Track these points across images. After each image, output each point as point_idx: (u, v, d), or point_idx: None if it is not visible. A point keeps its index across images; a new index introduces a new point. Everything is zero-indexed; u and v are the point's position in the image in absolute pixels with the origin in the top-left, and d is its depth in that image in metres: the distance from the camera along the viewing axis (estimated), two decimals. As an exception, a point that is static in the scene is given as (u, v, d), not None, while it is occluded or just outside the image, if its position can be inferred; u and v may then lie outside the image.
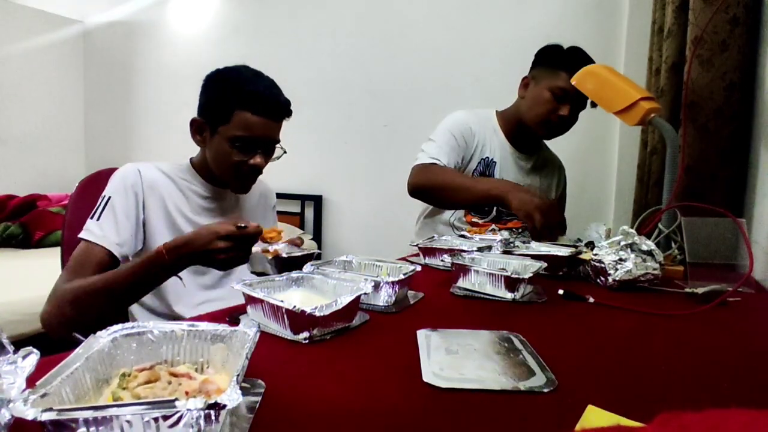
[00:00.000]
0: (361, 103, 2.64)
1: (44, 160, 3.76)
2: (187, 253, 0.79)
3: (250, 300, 0.63)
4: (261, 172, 1.04)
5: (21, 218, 2.80)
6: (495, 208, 1.43)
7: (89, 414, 0.29)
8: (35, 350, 0.34)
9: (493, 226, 1.31)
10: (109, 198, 0.95)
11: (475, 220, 1.43)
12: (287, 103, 1.01)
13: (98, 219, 0.93)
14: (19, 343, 0.33)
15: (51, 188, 3.33)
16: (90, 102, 4.02)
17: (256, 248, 0.88)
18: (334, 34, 2.72)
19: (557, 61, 1.34)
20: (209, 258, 0.79)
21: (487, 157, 1.43)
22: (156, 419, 0.29)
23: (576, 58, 1.33)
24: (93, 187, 1.09)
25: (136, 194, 0.97)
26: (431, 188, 1.33)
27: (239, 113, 0.94)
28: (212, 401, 0.29)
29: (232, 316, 0.66)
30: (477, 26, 2.28)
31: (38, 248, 2.68)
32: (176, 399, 0.29)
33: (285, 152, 1.05)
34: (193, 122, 1.01)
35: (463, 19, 2.31)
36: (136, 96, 3.69)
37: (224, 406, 0.30)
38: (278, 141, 1.03)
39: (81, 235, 0.92)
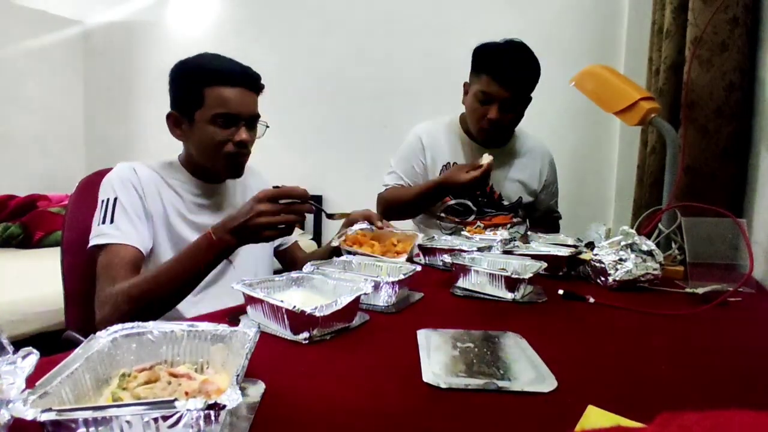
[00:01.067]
0: (361, 104, 2.64)
1: (44, 160, 3.75)
2: (232, 228, 0.79)
3: (250, 300, 0.63)
4: (249, 150, 1.02)
5: (21, 218, 2.80)
6: (474, 208, 1.44)
7: (89, 414, 0.29)
8: (35, 350, 0.34)
9: (479, 223, 1.32)
10: (116, 198, 0.94)
11: (457, 220, 1.43)
12: (256, 74, 0.99)
13: (112, 221, 0.91)
14: (19, 343, 0.33)
15: (51, 188, 3.33)
16: (90, 102, 4.01)
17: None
18: (334, 34, 2.72)
19: (477, 64, 1.35)
20: (251, 226, 0.78)
21: (449, 162, 1.46)
22: (156, 419, 0.29)
23: (494, 57, 1.31)
24: (93, 187, 1.09)
25: (137, 191, 0.96)
26: (392, 211, 1.47)
27: (210, 90, 0.93)
28: (212, 401, 0.29)
29: (232, 316, 0.66)
30: (477, 27, 2.27)
31: (38, 248, 2.68)
32: (176, 399, 0.29)
33: (267, 126, 1.03)
34: (169, 116, 1.00)
35: (463, 20, 2.31)
36: (136, 96, 3.69)
37: (224, 407, 0.30)
38: (258, 115, 1.01)
39: (98, 241, 0.90)
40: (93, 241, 0.91)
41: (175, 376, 0.39)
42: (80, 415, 0.29)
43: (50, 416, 0.28)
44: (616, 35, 1.93)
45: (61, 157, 3.87)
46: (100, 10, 3.74)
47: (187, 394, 0.37)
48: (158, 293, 0.82)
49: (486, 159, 1.26)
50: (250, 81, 0.97)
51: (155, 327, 0.43)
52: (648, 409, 0.42)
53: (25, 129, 3.64)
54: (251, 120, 0.99)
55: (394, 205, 1.46)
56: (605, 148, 2.00)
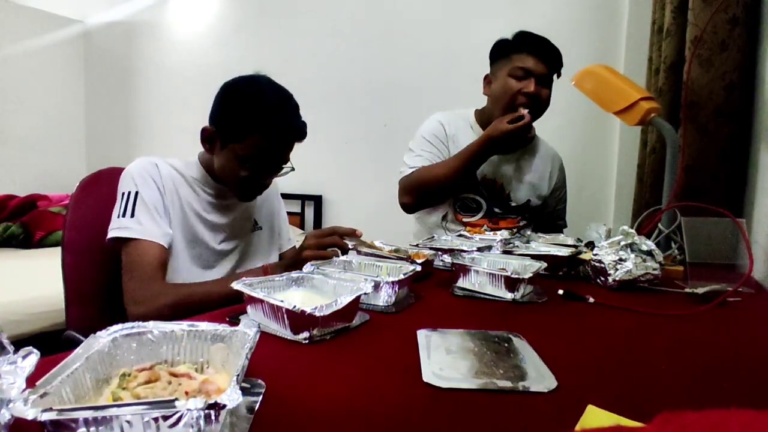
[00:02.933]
0: (361, 103, 2.64)
1: (44, 160, 3.75)
2: (285, 267, 0.81)
3: (250, 300, 0.63)
4: (267, 187, 1.05)
5: (21, 218, 2.80)
6: (484, 205, 1.43)
7: (89, 414, 0.29)
8: (35, 350, 0.34)
9: (485, 226, 1.32)
10: (137, 192, 0.93)
11: (465, 219, 1.43)
12: (304, 128, 0.98)
13: (132, 215, 0.91)
14: (19, 343, 0.33)
15: (51, 188, 3.33)
16: (90, 102, 4.01)
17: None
18: (334, 34, 2.72)
19: (507, 49, 1.37)
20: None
21: None
22: (156, 419, 0.29)
23: (525, 36, 1.36)
24: (94, 186, 1.09)
25: (158, 187, 0.96)
26: (420, 192, 1.38)
27: (255, 138, 0.92)
28: (212, 401, 0.29)
29: (232, 316, 0.66)
30: (476, 26, 2.28)
31: (39, 248, 2.68)
32: (176, 399, 0.29)
33: (293, 169, 1.03)
34: (204, 131, 0.99)
35: (462, 20, 2.31)
36: (137, 96, 3.69)
37: (224, 406, 0.30)
38: (288, 160, 1.02)
39: (119, 234, 0.90)
40: (113, 233, 0.91)
41: (175, 375, 0.39)
42: (80, 415, 0.29)
43: (51, 416, 0.28)
44: (616, 35, 1.93)
45: (61, 157, 3.87)
46: (101, 9, 3.74)
47: (187, 393, 0.37)
48: (201, 306, 0.81)
49: (523, 111, 1.28)
50: (295, 138, 0.97)
51: (155, 327, 0.43)
52: (648, 409, 0.42)
53: (25, 129, 3.64)
54: (280, 164, 1.01)
55: (427, 185, 1.36)
56: (605, 148, 2.00)
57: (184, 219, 1.00)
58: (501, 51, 1.38)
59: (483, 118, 1.46)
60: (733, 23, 1.19)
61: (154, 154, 1.09)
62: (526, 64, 1.32)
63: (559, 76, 1.38)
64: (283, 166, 1.01)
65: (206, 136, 0.99)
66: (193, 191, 1.02)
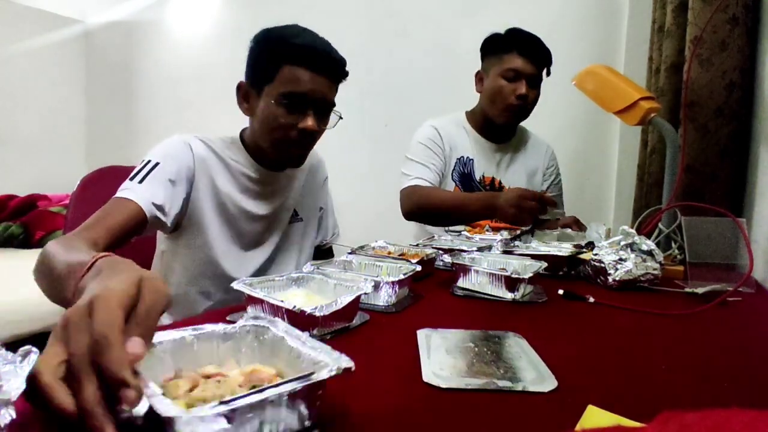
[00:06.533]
0: (362, 103, 2.64)
1: (44, 160, 3.75)
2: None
3: (250, 300, 0.63)
4: (314, 140, 0.97)
5: (21, 218, 2.80)
6: None
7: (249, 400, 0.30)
8: (35, 349, 0.34)
9: (487, 225, 1.33)
10: (158, 164, 0.88)
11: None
12: (342, 61, 0.94)
13: (141, 182, 0.85)
14: (19, 342, 0.33)
15: (51, 188, 3.33)
16: (90, 102, 4.01)
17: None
18: (333, 33, 2.71)
19: (499, 46, 1.39)
20: None
21: (463, 156, 1.47)
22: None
23: (515, 36, 1.39)
24: (94, 185, 1.10)
25: (188, 169, 0.92)
26: (425, 212, 1.37)
27: (285, 68, 0.89)
28: (347, 365, 0.35)
29: (231, 316, 0.66)
30: (477, 26, 2.27)
31: (39, 248, 2.67)
32: (313, 372, 0.34)
33: (341, 118, 0.96)
34: (239, 87, 0.96)
35: (463, 19, 2.31)
36: (137, 96, 3.69)
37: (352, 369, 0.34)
38: (333, 104, 0.96)
39: (118, 194, 0.84)
40: (118, 193, 0.84)
41: (208, 377, 0.38)
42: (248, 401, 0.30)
43: (223, 409, 0.29)
44: (616, 35, 1.92)
45: (61, 157, 3.86)
46: (101, 9, 3.74)
47: (240, 386, 0.36)
48: (46, 277, 0.67)
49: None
50: (331, 68, 0.92)
51: (163, 337, 0.41)
52: (648, 409, 0.42)
53: (25, 129, 3.64)
54: (322, 107, 0.94)
55: (431, 204, 1.33)
56: (605, 148, 2.00)
57: (221, 205, 0.97)
58: (493, 48, 1.41)
59: (475, 117, 1.50)
60: (732, 23, 1.19)
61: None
62: (517, 65, 1.34)
63: (548, 74, 1.41)
64: (332, 113, 0.96)
65: (243, 93, 0.96)
66: (232, 178, 0.98)
